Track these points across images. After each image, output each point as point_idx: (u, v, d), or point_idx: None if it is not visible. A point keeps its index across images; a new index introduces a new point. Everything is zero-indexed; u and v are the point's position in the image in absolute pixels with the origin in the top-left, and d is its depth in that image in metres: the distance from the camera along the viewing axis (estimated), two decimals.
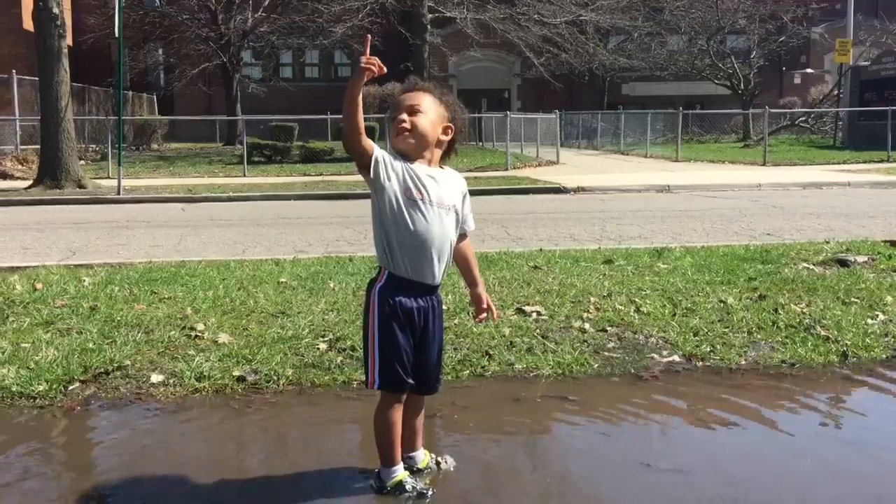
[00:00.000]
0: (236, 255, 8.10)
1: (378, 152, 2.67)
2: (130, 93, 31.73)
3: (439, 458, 3.05)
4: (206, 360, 4.22)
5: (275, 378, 4.04)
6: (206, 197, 15.18)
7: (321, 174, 19.91)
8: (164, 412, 3.72)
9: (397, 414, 2.82)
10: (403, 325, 2.75)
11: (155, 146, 28.95)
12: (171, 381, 4.02)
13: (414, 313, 2.77)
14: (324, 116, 27.07)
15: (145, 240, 9.57)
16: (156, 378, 4.05)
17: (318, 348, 4.45)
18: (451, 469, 3.03)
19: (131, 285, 5.98)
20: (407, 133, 2.75)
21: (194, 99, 35.93)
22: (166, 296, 5.64)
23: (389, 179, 2.69)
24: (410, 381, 2.79)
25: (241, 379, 4.02)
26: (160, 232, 10.36)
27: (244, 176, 19.61)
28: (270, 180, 18.56)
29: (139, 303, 5.43)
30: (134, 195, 15.20)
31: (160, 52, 35.21)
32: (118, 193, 14.98)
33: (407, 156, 2.76)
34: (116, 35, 15.12)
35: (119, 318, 4.97)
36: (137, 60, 33.39)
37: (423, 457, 3.01)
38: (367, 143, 2.66)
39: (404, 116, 2.75)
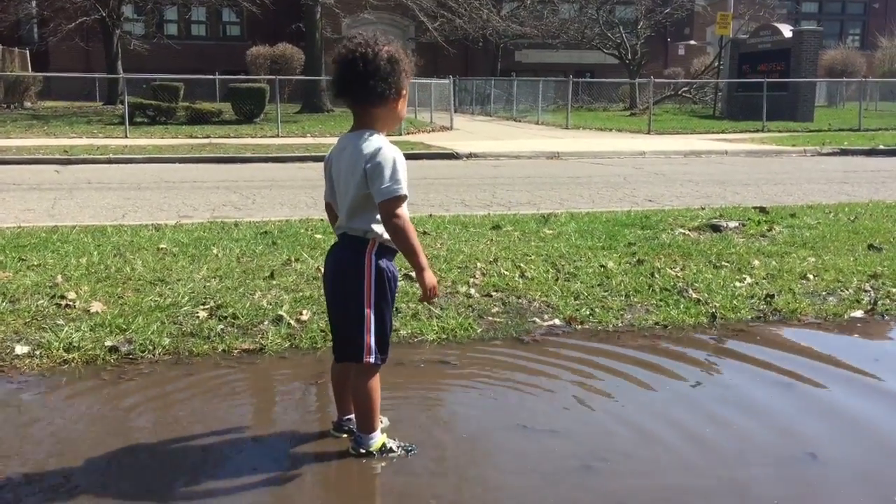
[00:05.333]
0: (115, 219, 7.78)
1: (405, 187, 2.84)
2: (0, 47, 29.67)
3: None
4: (77, 330, 4.04)
5: (150, 348, 3.91)
6: (84, 159, 14.47)
7: (209, 136, 19.27)
8: (27, 385, 3.53)
9: (378, 381, 2.84)
10: (393, 293, 2.82)
11: (28, 104, 27.29)
12: (38, 352, 3.82)
13: (397, 279, 2.83)
14: (211, 76, 26.17)
15: (15, 203, 9.05)
16: (20, 349, 3.84)
17: (198, 316, 4.33)
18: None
19: None
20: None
21: (72, 55, 33.95)
22: (35, 263, 5.37)
23: None
24: None
25: (113, 349, 3.87)
26: (32, 195, 9.82)
27: (126, 137, 18.78)
28: (154, 142, 17.84)
29: (5, 270, 5.14)
30: (3, 156, 14.31)
31: (33, 3, 33.03)
32: None
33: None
34: None
35: None
36: (8, 13, 31.23)
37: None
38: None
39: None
